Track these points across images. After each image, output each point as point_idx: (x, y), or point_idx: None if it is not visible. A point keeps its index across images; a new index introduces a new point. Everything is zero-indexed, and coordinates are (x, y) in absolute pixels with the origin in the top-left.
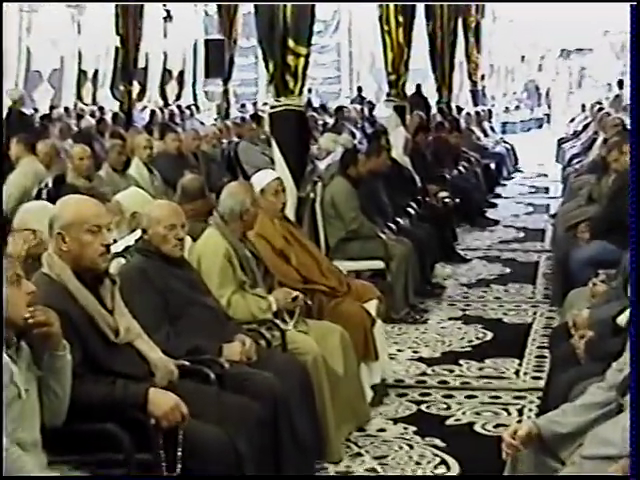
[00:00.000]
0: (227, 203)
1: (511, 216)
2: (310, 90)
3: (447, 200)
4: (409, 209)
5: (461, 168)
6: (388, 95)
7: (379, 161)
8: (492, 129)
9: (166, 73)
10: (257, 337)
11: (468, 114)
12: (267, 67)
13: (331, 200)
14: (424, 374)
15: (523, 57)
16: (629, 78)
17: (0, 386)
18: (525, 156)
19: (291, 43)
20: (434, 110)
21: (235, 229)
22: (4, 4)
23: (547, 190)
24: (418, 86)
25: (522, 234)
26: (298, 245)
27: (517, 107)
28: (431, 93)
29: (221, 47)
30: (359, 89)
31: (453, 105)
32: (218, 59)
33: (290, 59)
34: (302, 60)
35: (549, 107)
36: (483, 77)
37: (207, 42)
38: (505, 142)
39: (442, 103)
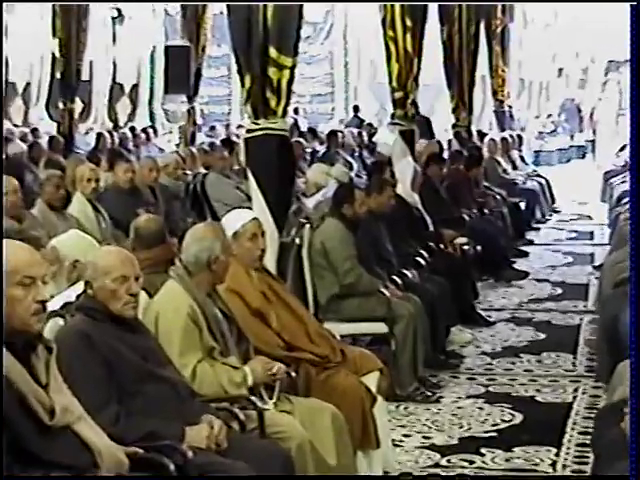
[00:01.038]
0: (192, 250)
1: (546, 268)
2: (296, 110)
3: (466, 248)
4: (419, 259)
5: (483, 208)
6: (392, 117)
7: (381, 199)
8: (522, 159)
9: (116, 87)
10: (229, 418)
11: (492, 140)
12: (243, 81)
13: (321, 247)
14: (437, 465)
15: (561, 70)
16: (629, 78)
17: (0, 386)
18: (564, 193)
19: (273, 52)
20: (450, 135)
21: (202, 282)
22: None
23: (591, 235)
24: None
25: (559, 290)
26: (280, 303)
27: (553, 132)
28: (445, 114)
29: (185, 56)
30: (356, 109)
31: (474, 129)
32: (181, 70)
33: (272, 72)
34: (287, 73)
35: (594, 132)
36: (510, 95)
37: (168, 49)
38: (539, 176)
39: (460, 127)
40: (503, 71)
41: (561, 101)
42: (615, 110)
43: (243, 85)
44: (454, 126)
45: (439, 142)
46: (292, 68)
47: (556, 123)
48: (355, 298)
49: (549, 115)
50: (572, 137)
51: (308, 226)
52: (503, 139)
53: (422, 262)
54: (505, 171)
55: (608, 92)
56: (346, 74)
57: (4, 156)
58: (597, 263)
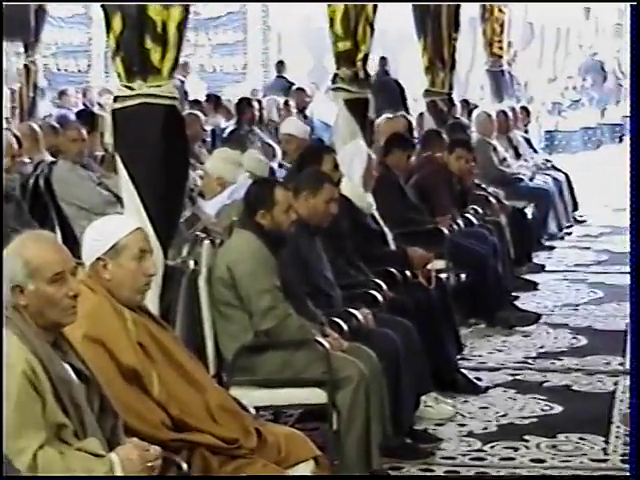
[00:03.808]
0: (18, 273)
1: (564, 306)
2: (186, 67)
3: (444, 276)
4: (374, 292)
5: (470, 216)
6: (335, 79)
7: (317, 202)
8: (529, 144)
9: None
10: None
11: (485, 115)
12: (109, 23)
13: (228, 274)
14: None
15: (588, 11)
16: (629, 78)
17: (0, 385)
18: (590, 195)
19: None
20: (421, 107)
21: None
22: None
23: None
24: (382, 61)
25: (584, 340)
26: (165, 359)
27: (576, 103)
28: (414, 76)
29: None
30: (280, 66)
31: (457, 98)
32: (16, 8)
33: (153, 9)
34: (177, 12)
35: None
36: (512, 47)
37: None
38: (554, 168)
39: (436, 94)
40: (501, 11)
41: (586, 58)
42: None
43: (110, 29)
44: (427, 93)
45: (405, 117)
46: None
47: (580, 90)
48: (278, 351)
49: (569, 77)
50: (603, 111)
51: (208, 242)
52: (501, 113)
53: (379, 297)
54: (504, 161)
55: None
56: (265, 13)
57: None
58: None
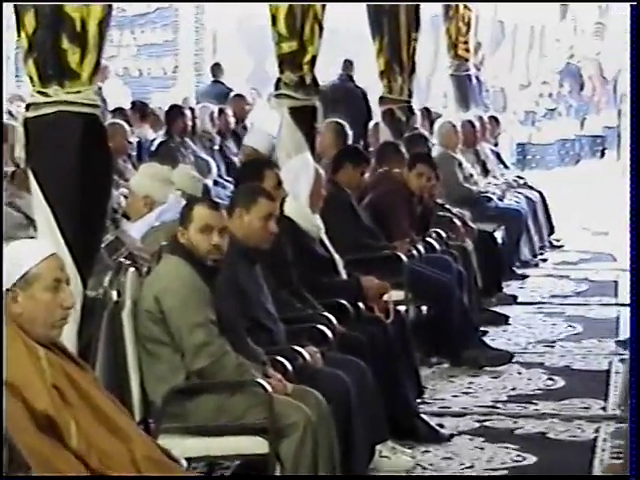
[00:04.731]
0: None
1: (537, 344)
2: (106, 72)
3: (402, 308)
4: (322, 327)
5: (432, 240)
6: (278, 84)
7: (256, 223)
8: (499, 158)
9: None
10: None
11: (449, 126)
12: (20, 22)
13: (156, 306)
14: None
15: (564, 8)
16: (629, 78)
17: (0, 383)
18: (569, 216)
19: None
20: (377, 116)
21: None
22: None
23: (615, 289)
24: (346, 65)
25: (561, 382)
26: (84, 404)
27: (552, 112)
28: (368, 81)
29: None
30: (215, 69)
31: (416, 106)
32: None
33: (71, 6)
34: (99, 6)
35: (619, 114)
36: (480, 49)
37: None
38: (527, 186)
39: (393, 102)
40: (467, 8)
41: (563, 62)
42: None
43: (20, 28)
44: (383, 101)
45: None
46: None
47: (556, 97)
48: (213, 394)
49: (544, 83)
50: (583, 122)
51: (133, 271)
52: (467, 124)
53: (328, 333)
54: (470, 178)
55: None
56: (199, 9)
57: None
58: (623, 336)
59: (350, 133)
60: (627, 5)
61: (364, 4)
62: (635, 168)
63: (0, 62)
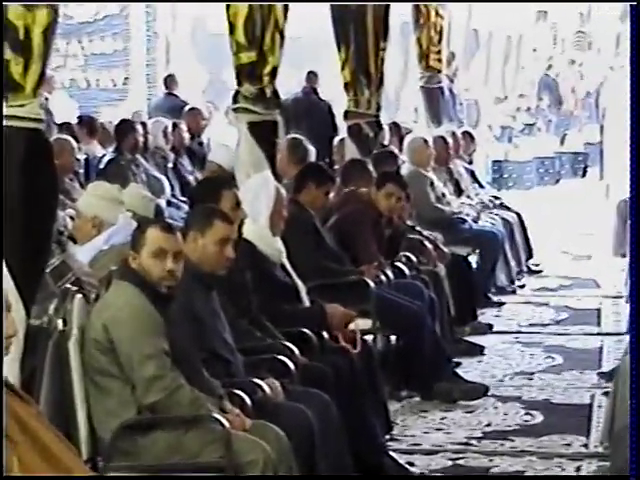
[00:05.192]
0: None
1: (515, 376)
2: (51, 83)
3: (369, 338)
4: (283, 357)
5: (402, 265)
6: (236, 97)
7: (212, 248)
8: (474, 177)
9: None
10: None
11: (422, 142)
12: None
13: (104, 335)
14: None
15: (544, 14)
16: (629, 78)
17: (0, 381)
18: (548, 239)
19: None
20: (343, 132)
21: None
22: None
23: (597, 317)
24: (310, 77)
25: (539, 417)
26: (26, 439)
27: (529, 127)
28: (332, 93)
29: None
30: (169, 81)
31: (384, 120)
32: None
33: (14, 11)
34: (43, 15)
35: (601, 130)
36: (453, 60)
37: None
38: (503, 207)
39: (360, 117)
40: (439, 15)
41: (542, 73)
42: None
43: None
44: (349, 115)
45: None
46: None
47: (535, 112)
48: (166, 430)
49: (522, 96)
50: (564, 138)
51: (80, 297)
52: (439, 140)
53: (289, 364)
54: (443, 198)
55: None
56: (151, 16)
57: None
58: (606, 368)
59: (311, 149)
60: (609, 13)
61: (328, 11)
62: (635, 168)
63: (0, 62)
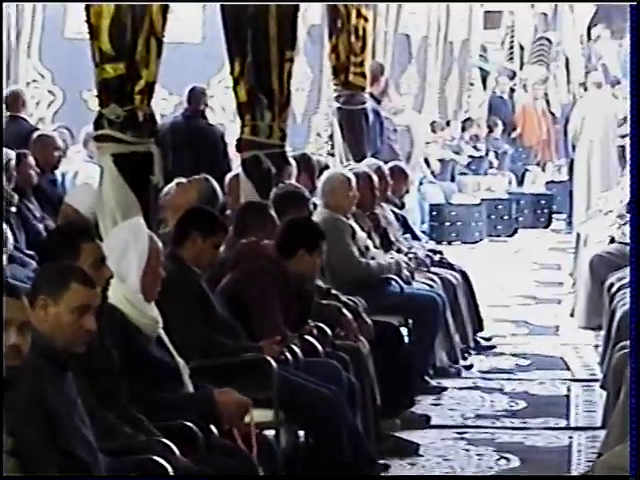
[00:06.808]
0: None
1: None
2: None
3: (271, 433)
4: (158, 458)
5: (313, 339)
6: (99, 122)
7: (59, 312)
8: (406, 224)
9: None
10: None
11: (341, 179)
12: None
13: None
14: None
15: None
16: (629, 78)
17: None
18: (502, 307)
19: None
20: (235, 165)
21: None
22: None
23: (566, 406)
24: (194, 95)
25: None
26: None
27: (477, 161)
28: (223, 117)
29: None
30: (12, 100)
31: (290, 152)
32: None
33: None
34: None
35: (570, 167)
36: (380, 74)
37: None
38: (444, 264)
39: (258, 146)
40: (362, 16)
41: (489, 93)
42: (612, 117)
43: None
44: (245, 145)
45: (207, 179)
46: None
47: (484, 141)
48: None
49: (466, 120)
50: (523, 175)
51: None
52: (364, 177)
53: (168, 467)
54: (365, 252)
55: (597, 75)
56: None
57: None
58: (576, 472)
59: (204, 188)
60: (576, 17)
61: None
62: (635, 168)
63: (0, 62)
